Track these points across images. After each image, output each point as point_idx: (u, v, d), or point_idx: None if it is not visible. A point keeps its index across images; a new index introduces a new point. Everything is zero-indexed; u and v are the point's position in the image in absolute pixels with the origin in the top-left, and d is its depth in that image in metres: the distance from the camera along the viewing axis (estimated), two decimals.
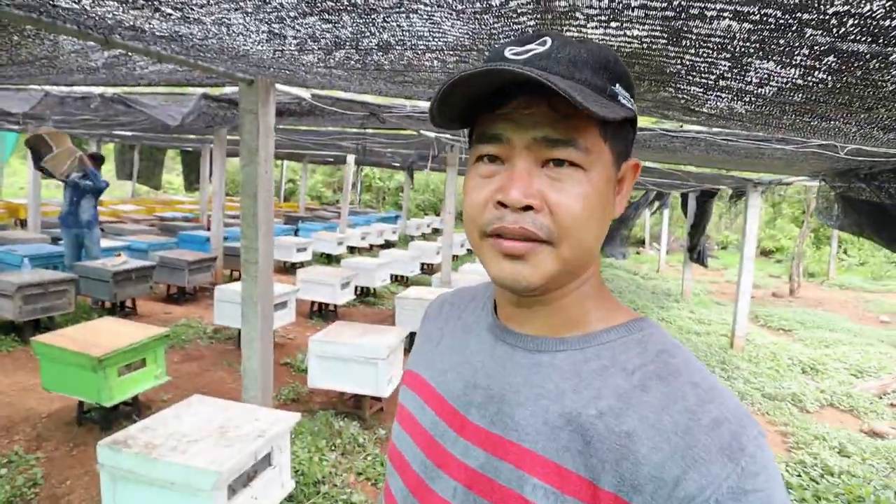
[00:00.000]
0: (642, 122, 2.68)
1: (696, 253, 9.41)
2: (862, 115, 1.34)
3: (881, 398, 5.22)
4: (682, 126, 2.44)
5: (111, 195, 17.57)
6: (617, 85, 0.52)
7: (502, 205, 0.51)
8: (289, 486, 2.54)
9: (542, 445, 0.51)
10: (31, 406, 3.70)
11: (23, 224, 9.68)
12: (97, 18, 1.40)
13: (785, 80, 1.13)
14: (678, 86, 1.44)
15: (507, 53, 0.52)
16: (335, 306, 6.68)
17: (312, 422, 3.65)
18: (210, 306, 5.75)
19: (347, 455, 3.34)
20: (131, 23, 1.40)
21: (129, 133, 9.47)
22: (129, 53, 2.22)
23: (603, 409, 0.49)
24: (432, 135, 5.51)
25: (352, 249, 11.40)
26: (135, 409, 3.63)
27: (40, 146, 5.47)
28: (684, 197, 9.71)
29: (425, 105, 3.33)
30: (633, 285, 10.51)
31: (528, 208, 0.50)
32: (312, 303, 6.64)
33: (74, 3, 1.25)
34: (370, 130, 6.32)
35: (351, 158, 11.16)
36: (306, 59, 1.63)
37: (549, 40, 0.51)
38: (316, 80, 2.26)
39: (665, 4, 0.84)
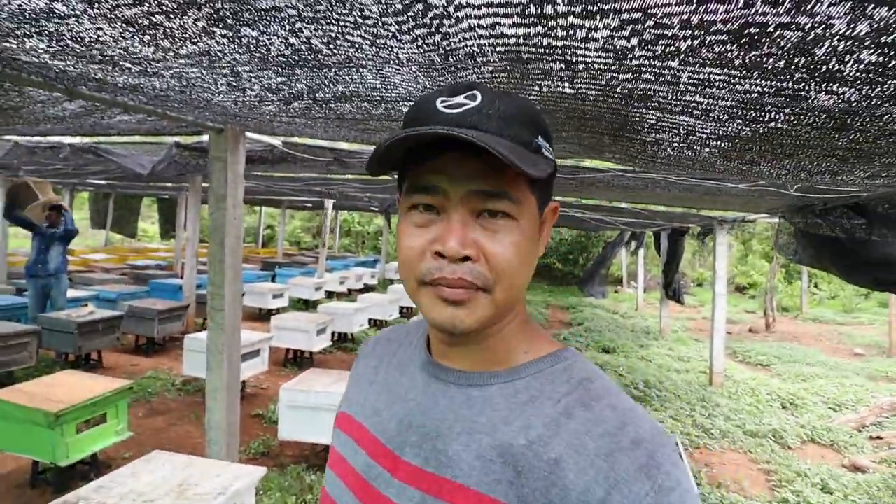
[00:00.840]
0: (604, 163, 2.79)
1: (671, 290, 9.54)
2: (786, 161, 1.42)
3: (860, 431, 5.25)
4: (633, 169, 2.54)
5: (83, 244, 17.22)
6: (539, 137, 0.56)
7: (440, 255, 0.53)
8: None
9: (475, 480, 0.52)
10: None
11: None
12: (58, 71, 1.42)
13: (707, 131, 1.21)
14: (626, 135, 1.52)
15: (439, 105, 0.55)
16: (311, 353, 6.53)
17: (282, 477, 3.50)
18: (180, 357, 5.56)
19: None
20: (94, 75, 1.43)
21: (102, 181, 9.41)
22: (97, 104, 2.24)
23: (532, 438, 0.52)
24: None
25: (330, 294, 11.27)
26: (93, 469, 3.44)
27: (23, 193, 5.45)
28: (657, 235, 9.94)
29: None
30: (613, 324, 10.55)
31: (465, 259, 0.52)
32: (287, 350, 6.49)
33: (35, 57, 1.27)
34: (349, 176, 6.39)
35: (329, 203, 11.22)
36: (267, 108, 1.67)
37: (478, 95, 0.54)
38: (283, 127, 2.31)
39: (599, 61, 0.90)
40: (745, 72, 0.77)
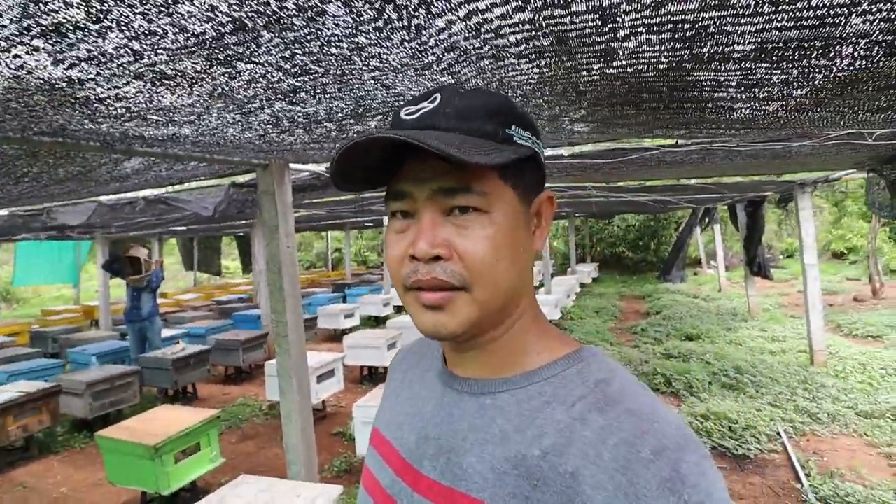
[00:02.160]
0: (652, 141, 2.62)
1: (756, 265, 8.83)
2: (835, 101, 1.23)
3: None
4: (677, 142, 2.36)
5: (175, 286, 18.77)
6: (513, 127, 0.55)
7: (415, 258, 0.53)
8: None
9: (489, 493, 0.50)
10: (98, 501, 3.83)
11: (97, 324, 10.42)
12: (104, 134, 1.55)
13: (748, 82, 1.07)
14: (652, 104, 1.41)
15: (403, 114, 0.56)
16: (385, 368, 6.67)
17: None
18: (265, 383, 5.88)
19: None
20: (134, 132, 1.54)
21: (183, 227, 10.21)
22: (152, 158, 2.41)
23: (546, 447, 0.49)
24: None
25: (399, 309, 11.49)
26: (194, 496, 3.68)
27: (134, 265, 6.16)
28: (731, 209, 9.26)
29: None
30: (695, 309, 9.91)
31: (437, 258, 0.52)
32: (362, 368, 6.67)
33: (81, 124, 1.39)
34: None
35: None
36: (290, 138, 1.73)
37: (438, 96, 0.55)
38: (317, 155, 2.38)
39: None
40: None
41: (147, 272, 6.28)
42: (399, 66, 0.99)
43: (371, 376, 6.66)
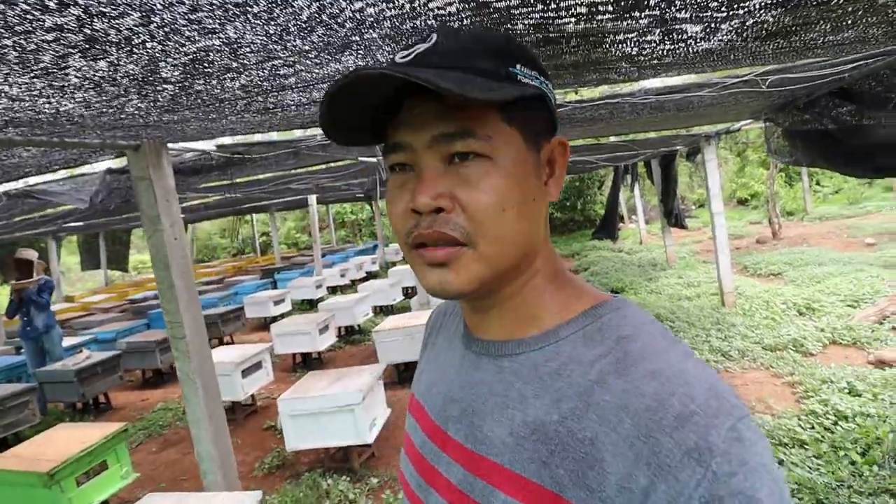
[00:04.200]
0: (562, 97, 2.53)
1: (673, 217, 9.31)
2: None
3: (881, 324, 5.07)
4: (579, 93, 2.29)
5: (84, 288, 17.18)
6: (518, 66, 0.50)
7: (416, 212, 0.49)
8: None
9: (508, 458, 0.49)
10: None
11: None
12: None
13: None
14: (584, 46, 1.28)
15: (398, 58, 0.50)
16: (318, 353, 6.43)
17: (297, 488, 3.39)
18: None
19: None
20: None
21: (80, 224, 9.20)
22: None
23: (564, 412, 0.47)
24: (373, 159, 5.34)
25: (334, 290, 11.15)
26: None
27: (24, 269, 5.43)
28: (648, 165, 9.65)
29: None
30: (619, 262, 10.38)
31: (439, 211, 0.48)
32: (294, 355, 6.38)
33: None
34: (323, 165, 6.18)
35: (313, 199, 10.95)
36: (145, 105, 1.44)
37: (435, 36, 0.50)
38: (196, 130, 2.08)
39: None
40: None
41: (38, 276, 5.61)
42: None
43: (305, 363, 6.40)
